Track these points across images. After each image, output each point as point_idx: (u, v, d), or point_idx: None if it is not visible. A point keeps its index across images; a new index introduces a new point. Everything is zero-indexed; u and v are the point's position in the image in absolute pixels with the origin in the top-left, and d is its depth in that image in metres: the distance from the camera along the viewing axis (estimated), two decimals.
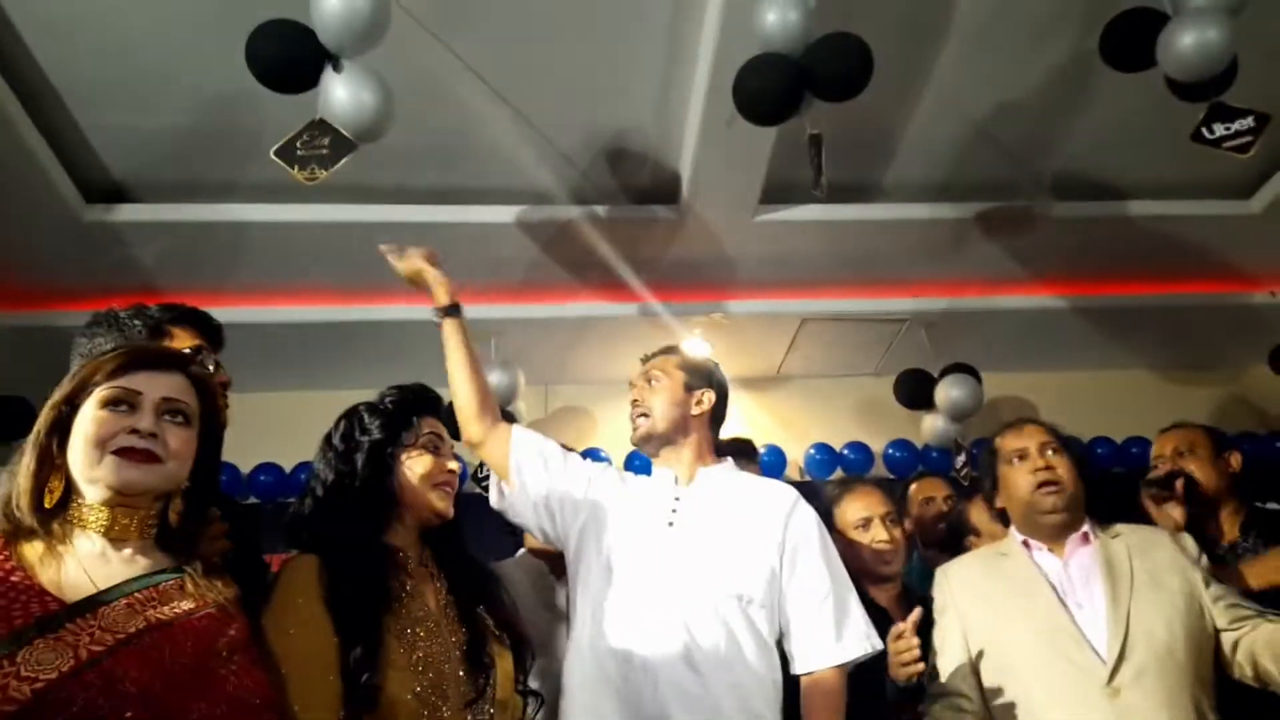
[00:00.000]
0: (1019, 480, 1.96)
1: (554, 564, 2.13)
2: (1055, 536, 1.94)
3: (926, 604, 1.97)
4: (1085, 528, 1.94)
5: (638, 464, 3.79)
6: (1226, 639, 1.79)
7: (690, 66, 2.92)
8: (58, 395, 1.23)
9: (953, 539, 2.66)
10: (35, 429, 1.21)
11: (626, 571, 1.80)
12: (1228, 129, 2.45)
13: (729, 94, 2.49)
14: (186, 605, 1.19)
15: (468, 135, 3.12)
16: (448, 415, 1.77)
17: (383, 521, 1.56)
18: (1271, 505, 2.39)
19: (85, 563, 1.16)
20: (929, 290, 4.09)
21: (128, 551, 1.20)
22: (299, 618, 1.37)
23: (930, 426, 4.22)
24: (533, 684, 1.66)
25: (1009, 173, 3.52)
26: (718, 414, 2.02)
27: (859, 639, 1.79)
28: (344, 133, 2.31)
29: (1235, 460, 2.38)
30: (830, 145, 2.58)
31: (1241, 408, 4.69)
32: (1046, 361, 4.52)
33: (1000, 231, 3.69)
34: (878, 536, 2.23)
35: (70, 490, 1.20)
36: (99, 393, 1.22)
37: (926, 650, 1.85)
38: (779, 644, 1.82)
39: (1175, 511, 2.21)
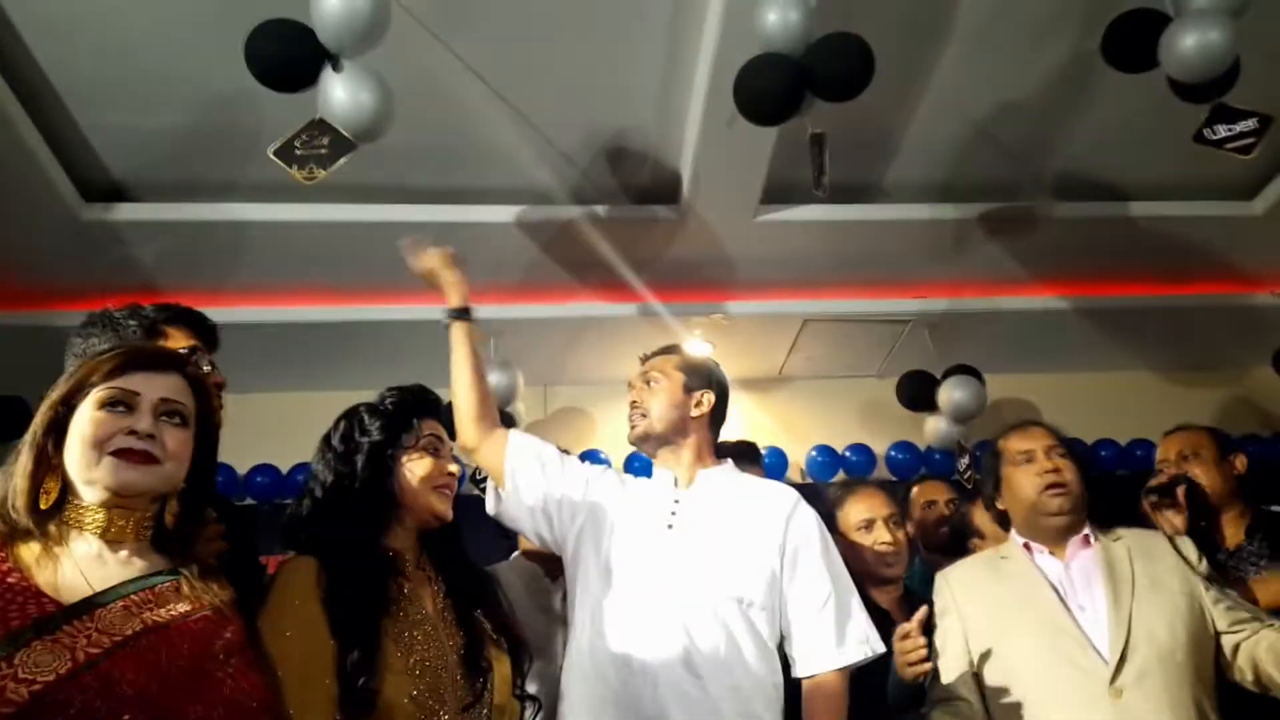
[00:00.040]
0: (1025, 482, 1.96)
1: (548, 566, 2.13)
2: (1058, 539, 1.94)
3: (930, 606, 1.96)
4: (1086, 530, 1.94)
5: (637, 465, 3.78)
6: (1226, 641, 1.80)
7: (691, 66, 2.91)
8: (54, 395, 1.22)
9: (955, 542, 2.65)
10: (31, 429, 1.20)
11: (625, 574, 1.79)
12: (1230, 130, 2.45)
13: (730, 94, 2.48)
14: (183, 607, 1.19)
15: (467, 135, 3.12)
16: (446, 417, 1.77)
17: (382, 524, 1.55)
18: (1277, 508, 2.38)
19: (81, 564, 1.15)
20: (931, 291, 4.08)
21: (124, 553, 1.20)
22: (296, 619, 1.36)
23: (933, 428, 4.21)
24: (530, 687, 1.65)
25: (1011, 173, 3.51)
26: (718, 415, 2.01)
27: (860, 642, 1.78)
28: (343, 132, 2.30)
29: (1240, 463, 2.37)
30: (831, 145, 2.57)
31: (1245, 409, 4.68)
32: (1049, 363, 4.52)
33: (1003, 232, 3.68)
34: (880, 538, 2.22)
35: (66, 491, 1.19)
36: (96, 393, 1.21)
37: (930, 650, 1.85)
38: (781, 647, 1.81)
39: (1176, 519, 2.20)
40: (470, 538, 1.70)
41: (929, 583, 2.14)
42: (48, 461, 1.18)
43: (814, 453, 4.40)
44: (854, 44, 2.36)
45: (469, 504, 1.66)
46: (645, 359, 2.06)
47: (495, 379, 3.65)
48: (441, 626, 1.49)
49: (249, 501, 3.98)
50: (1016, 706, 1.78)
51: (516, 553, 2.26)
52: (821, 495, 2.33)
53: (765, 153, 3.12)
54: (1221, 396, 4.71)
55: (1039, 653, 1.80)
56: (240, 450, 3.75)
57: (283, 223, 3.33)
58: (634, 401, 1.98)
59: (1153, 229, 3.74)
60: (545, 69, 2.92)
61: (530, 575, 2.16)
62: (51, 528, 1.17)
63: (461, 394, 1.96)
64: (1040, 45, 2.96)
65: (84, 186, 3.20)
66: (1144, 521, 2.23)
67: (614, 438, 4.17)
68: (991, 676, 1.84)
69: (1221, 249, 3.93)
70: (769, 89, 2.41)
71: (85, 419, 1.20)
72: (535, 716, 1.69)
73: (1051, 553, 1.94)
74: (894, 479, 4.26)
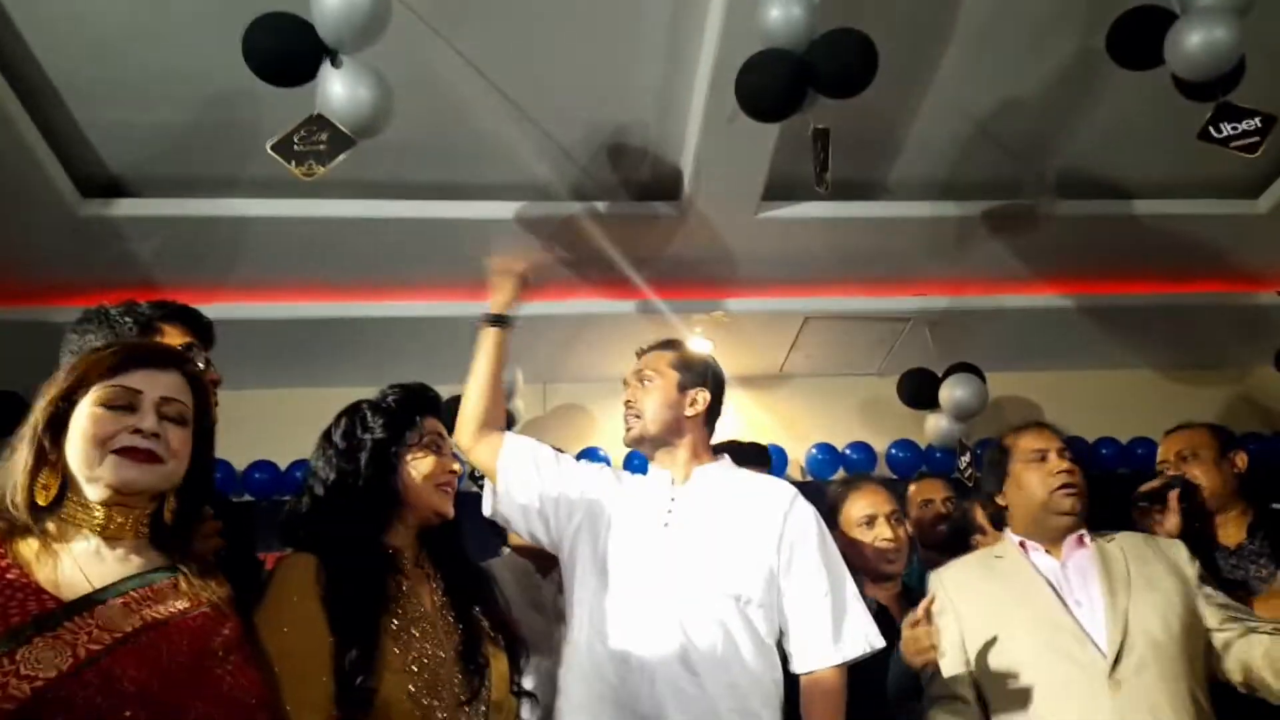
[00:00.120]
0: (1038, 480, 1.98)
1: (539, 562, 2.13)
2: (1058, 538, 1.96)
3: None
4: (1082, 531, 1.97)
5: (637, 463, 3.77)
6: (1216, 639, 1.83)
7: (693, 61, 2.90)
8: (54, 391, 1.21)
9: (956, 539, 2.65)
10: (30, 424, 1.20)
11: (622, 572, 1.79)
12: (1235, 129, 2.44)
13: (731, 90, 2.47)
14: (181, 604, 1.19)
15: (467, 130, 3.11)
16: (446, 414, 1.76)
17: (384, 521, 1.55)
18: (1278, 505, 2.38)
19: (81, 561, 1.16)
20: (933, 289, 4.07)
21: (122, 550, 1.20)
22: (294, 616, 1.36)
23: (934, 426, 4.20)
24: (525, 684, 1.65)
25: (1013, 171, 3.50)
26: (713, 411, 2.00)
27: (858, 638, 1.78)
28: (342, 128, 2.29)
29: (1241, 460, 2.37)
30: (833, 142, 2.56)
31: (1247, 408, 4.67)
32: (1051, 361, 4.51)
33: (1005, 230, 3.67)
34: (882, 535, 2.22)
35: (65, 488, 1.19)
36: (98, 391, 1.21)
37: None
38: (780, 643, 1.80)
39: (1168, 523, 2.21)
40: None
41: (926, 580, 2.14)
42: (46, 458, 1.18)
43: (814, 451, 4.40)
44: (857, 40, 2.35)
45: (461, 500, 1.66)
46: (641, 352, 2.05)
47: None
48: (439, 623, 1.49)
49: (247, 498, 3.98)
50: (1016, 704, 1.79)
51: (508, 550, 2.26)
52: (822, 493, 2.33)
53: (767, 149, 3.11)
54: (1224, 395, 4.70)
55: (1037, 649, 1.81)
56: (239, 446, 3.74)
57: (281, 218, 3.32)
58: (628, 401, 1.98)
59: (1156, 227, 3.73)
60: (545, 64, 2.91)
61: (522, 571, 2.17)
62: (50, 524, 1.17)
63: (473, 396, 1.96)
64: (1043, 43, 2.95)
65: (82, 182, 3.19)
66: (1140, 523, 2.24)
67: (613, 435, 4.13)
68: (990, 675, 1.85)
69: (1225, 248, 3.92)
70: (771, 85, 2.39)
71: (87, 416, 1.19)
72: (532, 713, 1.68)
73: (1048, 551, 1.96)
74: (894, 477, 4.25)
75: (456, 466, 1.64)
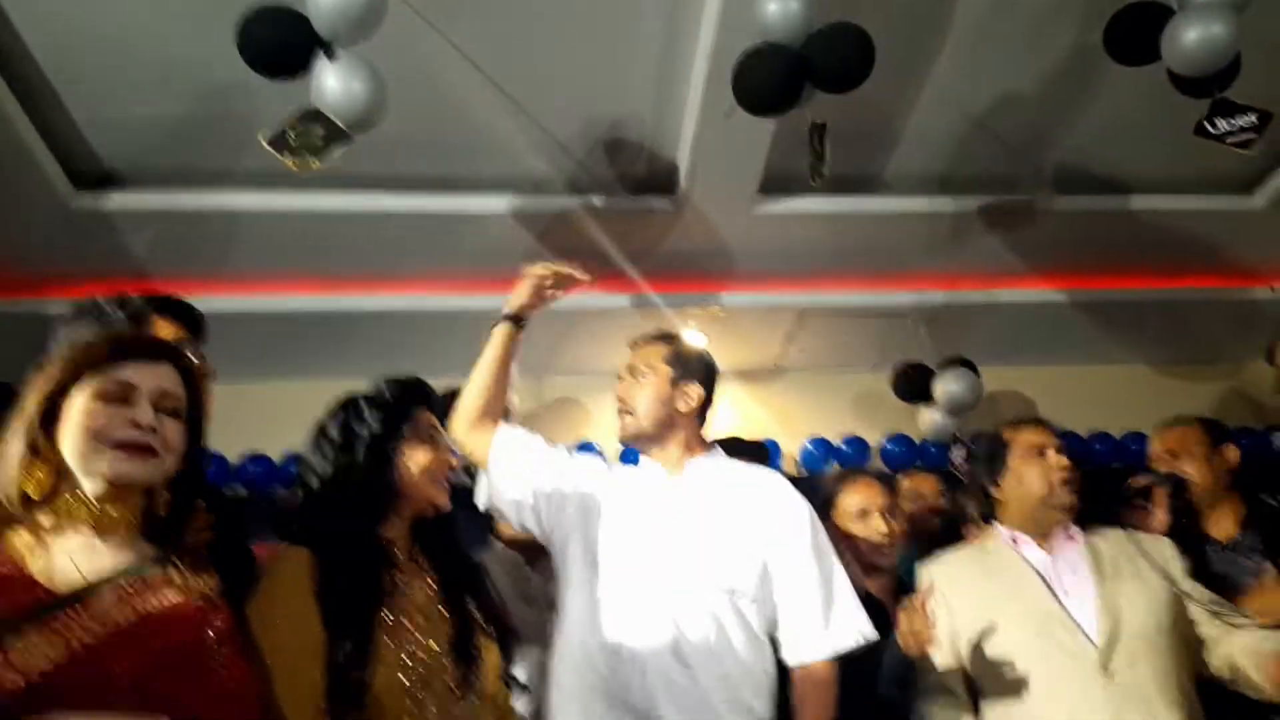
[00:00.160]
0: (1039, 474, 1.98)
1: (529, 554, 2.13)
2: (1049, 532, 1.98)
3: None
4: (1072, 527, 1.99)
5: (632, 456, 3.78)
6: (1202, 634, 1.86)
7: (689, 55, 2.89)
8: (47, 384, 1.21)
9: (949, 532, 2.66)
10: (23, 417, 1.19)
11: (614, 564, 1.80)
12: (1231, 125, 2.45)
13: (728, 84, 2.47)
14: (173, 597, 1.19)
15: (462, 124, 3.10)
16: (440, 407, 1.76)
17: (379, 514, 1.55)
18: (1266, 496, 2.38)
19: (73, 553, 1.15)
20: (928, 283, 4.07)
21: (115, 542, 1.19)
22: (287, 610, 1.36)
23: (928, 420, 4.21)
24: (518, 675, 1.66)
25: (1010, 166, 3.50)
26: (706, 405, 1.99)
27: (850, 629, 1.78)
28: (337, 122, 2.28)
29: (1232, 454, 2.37)
30: (830, 136, 2.56)
31: (1241, 403, 4.68)
32: (1046, 356, 4.51)
33: (1001, 225, 3.68)
34: (876, 528, 2.23)
35: (57, 480, 1.18)
36: (92, 384, 1.20)
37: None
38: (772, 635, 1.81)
39: (1157, 519, 2.22)
40: None
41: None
42: (39, 450, 1.18)
43: (809, 445, 4.40)
44: (854, 35, 2.35)
45: (452, 493, 1.66)
46: (634, 344, 2.04)
47: None
48: (433, 615, 1.49)
49: (241, 491, 3.97)
50: (1008, 694, 1.80)
51: (500, 544, 2.27)
52: (816, 487, 2.33)
53: (763, 144, 3.11)
54: (1217, 390, 4.71)
55: (1028, 642, 1.82)
56: (233, 439, 3.74)
57: (275, 211, 3.31)
58: (620, 398, 1.97)
59: (1151, 223, 3.74)
60: (541, 58, 2.90)
61: (512, 564, 2.18)
62: (42, 516, 1.16)
63: (475, 390, 1.95)
64: (1040, 38, 2.95)
65: (75, 174, 3.18)
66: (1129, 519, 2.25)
67: (609, 428, 4.12)
68: (981, 668, 1.86)
69: (1220, 243, 3.93)
70: (768, 79, 2.39)
71: (82, 410, 1.19)
72: (524, 704, 1.69)
73: (1039, 544, 1.97)
74: (888, 471, 4.26)
75: (453, 459, 1.64)
